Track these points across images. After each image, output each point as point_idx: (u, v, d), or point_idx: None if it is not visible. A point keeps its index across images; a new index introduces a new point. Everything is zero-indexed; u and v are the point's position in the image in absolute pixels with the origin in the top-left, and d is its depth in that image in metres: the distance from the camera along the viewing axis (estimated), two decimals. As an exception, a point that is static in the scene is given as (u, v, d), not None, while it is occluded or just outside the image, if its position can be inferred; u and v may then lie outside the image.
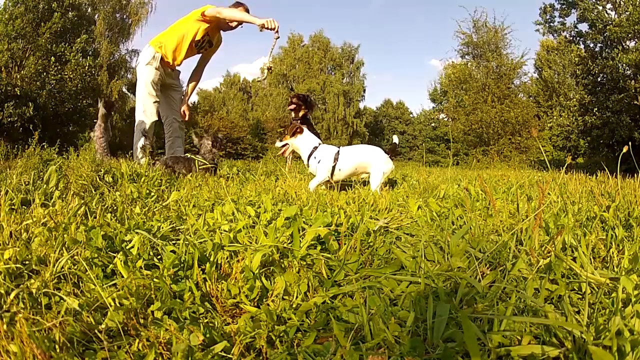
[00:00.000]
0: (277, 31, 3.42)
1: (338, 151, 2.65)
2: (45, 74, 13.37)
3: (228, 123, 24.80)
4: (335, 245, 1.18)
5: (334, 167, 2.63)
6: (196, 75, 4.10)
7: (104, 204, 1.69)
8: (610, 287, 0.92)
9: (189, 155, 3.20)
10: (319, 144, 2.73)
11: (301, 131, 2.75)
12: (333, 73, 33.01)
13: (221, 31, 3.88)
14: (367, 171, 2.71)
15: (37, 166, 2.49)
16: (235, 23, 3.72)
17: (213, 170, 3.10)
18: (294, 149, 2.81)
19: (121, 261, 0.98)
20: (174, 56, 3.65)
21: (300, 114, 3.78)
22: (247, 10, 3.81)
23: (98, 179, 2.28)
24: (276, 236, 1.15)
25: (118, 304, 0.82)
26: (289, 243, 1.15)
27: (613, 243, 1.23)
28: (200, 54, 3.94)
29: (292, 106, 3.72)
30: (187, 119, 4.03)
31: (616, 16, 13.00)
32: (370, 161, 2.65)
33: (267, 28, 3.39)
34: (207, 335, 0.73)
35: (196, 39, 3.65)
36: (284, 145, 2.80)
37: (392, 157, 2.70)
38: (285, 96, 30.01)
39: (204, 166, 3.03)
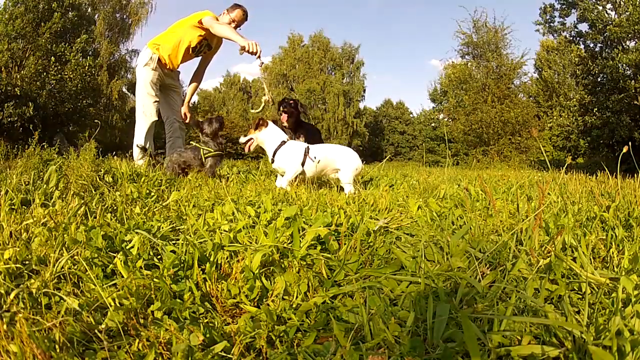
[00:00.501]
0: (259, 56, 3.37)
1: (307, 147, 2.62)
2: (45, 74, 13.39)
3: (228, 123, 24.81)
4: (335, 245, 1.18)
5: (303, 163, 2.58)
6: (197, 77, 4.10)
7: (104, 204, 1.69)
8: (610, 287, 0.92)
9: (193, 143, 3.22)
10: (287, 139, 2.66)
11: (265, 124, 2.67)
12: (333, 73, 32.97)
13: None
14: (336, 167, 2.67)
15: (37, 166, 2.49)
16: (234, 24, 3.73)
17: (219, 157, 3.20)
18: (259, 144, 2.72)
19: (121, 261, 0.98)
20: (171, 60, 3.66)
21: (291, 122, 3.73)
22: (245, 13, 3.81)
23: (98, 179, 2.27)
24: (276, 236, 1.15)
25: (118, 304, 0.82)
26: (289, 243, 1.15)
27: (613, 243, 1.23)
28: (201, 57, 3.95)
29: (285, 116, 3.68)
30: (187, 120, 4.03)
31: (616, 16, 13.02)
32: (339, 158, 2.64)
33: (248, 51, 3.35)
34: (207, 335, 0.72)
35: (192, 45, 3.66)
36: (248, 140, 2.71)
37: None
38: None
39: (210, 154, 3.11)
